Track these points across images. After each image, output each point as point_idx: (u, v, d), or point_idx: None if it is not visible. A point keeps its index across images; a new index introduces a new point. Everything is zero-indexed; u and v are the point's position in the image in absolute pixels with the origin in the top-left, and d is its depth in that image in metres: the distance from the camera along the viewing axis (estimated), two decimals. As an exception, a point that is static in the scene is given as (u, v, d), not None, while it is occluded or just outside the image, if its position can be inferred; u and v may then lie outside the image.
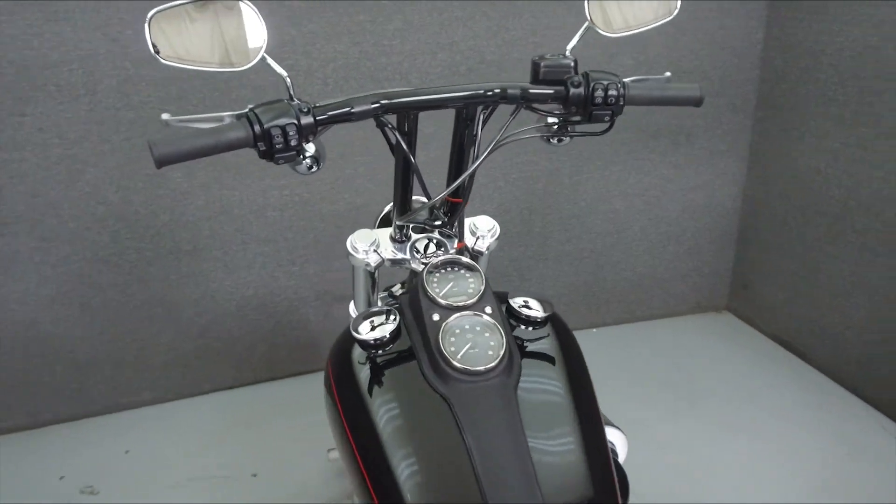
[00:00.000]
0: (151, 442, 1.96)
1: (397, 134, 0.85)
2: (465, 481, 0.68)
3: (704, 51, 2.17)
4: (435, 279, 0.84)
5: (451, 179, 0.95)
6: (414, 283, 0.86)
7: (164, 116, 0.76)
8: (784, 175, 2.21)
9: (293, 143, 0.74)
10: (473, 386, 0.74)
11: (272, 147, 0.74)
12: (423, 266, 0.98)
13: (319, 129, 0.77)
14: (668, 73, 0.92)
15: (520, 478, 0.68)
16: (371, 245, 0.99)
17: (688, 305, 2.58)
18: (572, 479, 0.72)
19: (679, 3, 0.90)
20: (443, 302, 0.80)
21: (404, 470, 0.71)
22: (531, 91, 0.84)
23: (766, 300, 2.38)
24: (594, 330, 2.48)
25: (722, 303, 2.61)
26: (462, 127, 0.90)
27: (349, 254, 1.00)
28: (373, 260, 0.99)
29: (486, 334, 0.78)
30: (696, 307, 2.59)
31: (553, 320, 0.87)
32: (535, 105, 0.88)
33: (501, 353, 0.75)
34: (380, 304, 1.12)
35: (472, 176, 0.87)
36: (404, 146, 0.85)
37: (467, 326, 0.79)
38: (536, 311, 0.86)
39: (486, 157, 0.85)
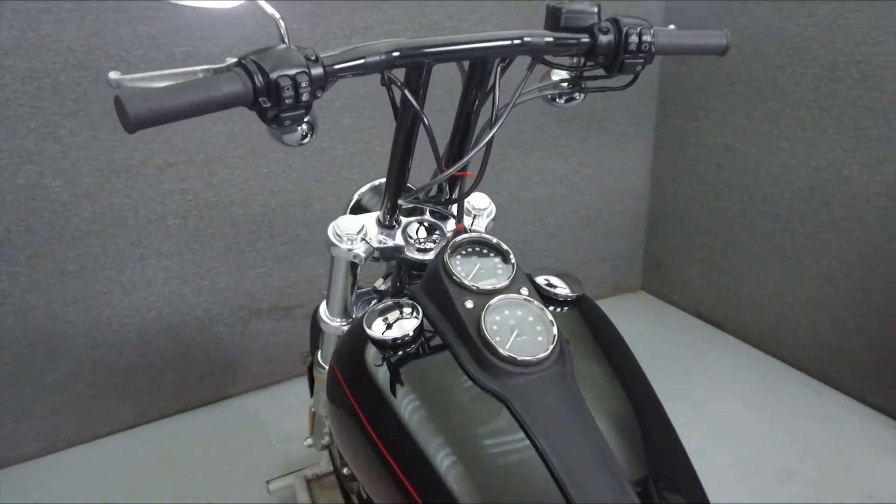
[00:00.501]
0: (42, 500, 1.64)
1: (407, 91, 0.72)
2: (544, 486, 0.57)
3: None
4: (458, 262, 0.72)
5: (455, 148, 0.83)
6: (433, 268, 0.73)
7: (112, 75, 0.58)
8: (691, 154, 2.29)
9: (305, 97, 0.59)
10: (529, 379, 0.63)
11: (281, 102, 0.58)
12: (422, 251, 0.86)
13: (329, 82, 0.62)
14: (672, 26, 0.86)
15: (608, 477, 0.58)
16: (359, 233, 0.85)
17: (607, 288, 2.62)
18: (654, 472, 0.63)
19: None
20: (473, 286, 0.69)
21: (468, 481, 0.58)
22: (556, 40, 0.75)
23: (681, 276, 2.46)
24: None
25: (637, 283, 2.67)
26: (473, 85, 0.79)
27: (331, 244, 0.85)
28: (361, 249, 0.85)
29: (530, 318, 0.67)
30: (615, 289, 2.64)
31: (583, 299, 0.78)
32: (552, 58, 0.79)
33: (553, 338, 0.65)
34: (357, 307, 0.97)
35: (489, 143, 0.75)
36: (415, 103, 0.72)
37: (507, 312, 0.67)
38: (564, 289, 0.76)
39: (504, 118, 0.74)
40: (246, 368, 2.03)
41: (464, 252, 0.73)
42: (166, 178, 1.72)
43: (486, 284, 0.69)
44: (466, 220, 0.91)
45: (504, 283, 0.70)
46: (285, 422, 1.88)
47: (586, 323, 0.75)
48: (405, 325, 0.69)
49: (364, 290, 1.01)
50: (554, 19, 0.76)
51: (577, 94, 0.85)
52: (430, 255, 0.87)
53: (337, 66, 0.62)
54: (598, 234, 2.50)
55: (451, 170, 0.76)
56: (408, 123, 0.78)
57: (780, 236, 2.03)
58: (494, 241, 0.75)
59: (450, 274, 0.69)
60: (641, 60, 0.77)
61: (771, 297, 2.11)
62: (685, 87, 2.26)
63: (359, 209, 1.00)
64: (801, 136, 1.90)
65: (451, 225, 0.89)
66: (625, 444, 0.62)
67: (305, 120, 0.65)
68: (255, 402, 2.03)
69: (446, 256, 0.71)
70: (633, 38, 0.75)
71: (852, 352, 1.89)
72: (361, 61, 0.64)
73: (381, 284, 0.98)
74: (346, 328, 0.94)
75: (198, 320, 1.90)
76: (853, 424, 1.84)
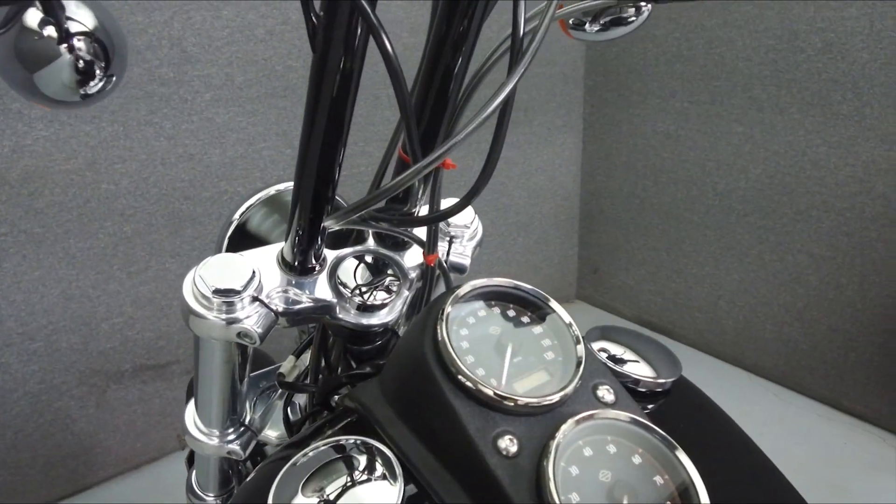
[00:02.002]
0: None
1: None
2: None
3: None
4: (465, 339, 0.35)
5: (424, 124, 0.45)
6: (409, 357, 0.36)
7: None
8: (625, 144, 2.05)
9: None
10: None
11: None
12: (368, 309, 0.49)
13: None
14: None
15: None
16: (246, 287, 0.44)
17: (541, 301, 2.32)
18: None
19: None
20: (513, 398, 0.33)
21: None
22: None
23: (622, 282, 2.21)
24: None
25: (572, 292, 2.41)
26: (453, 12, 0.41)
27: (192, 314, 0.44)
28: (253, 321, 0.44)
29: (636, 460, 0.32)
30: (549, 301, 2.35)
31: (681, 384, 0.44)
32: None
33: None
34: (254, 405, 0.57)
35: (507, 109, 0.38)
36: (366, 6, 0.34)
37: (592, 454, 0.32)
38: (647, 370, 0.42)
39: (529, 63, 0.37)
40: (108, 450, 1.54)
41: (473, 319, 0.37)
42: (-36, 205, 1.22)
43: (534, 392, 0.33)
44: (440, 247, 0.54)
45: (567, 382, 0.34)
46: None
47: (703, 430, 0.41)
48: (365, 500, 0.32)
49: (263, 370, 0.61)
50: None
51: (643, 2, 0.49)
52: (385, 317, 0.49)
53: None
54: (530, 241, 2.20)
55: (429, 159, 0.38)
56: (337, 64, 0.39)
57: (736, 231, 1.82)
58: (530, 291, 0.39)
59: (455, 372, 0.33)
60: None
61: (729, 299, 1.89)
62: (616, 70, 2.01)
63: (244, 239, 0.61)
64: (756, 117, 1.69)
65: (412, 258, 0.52)
66: None
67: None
68: (123, 490, 1.54)
69: (442, 329, 0.34)
70: None
71: (826, 355, 1.70)
72: None
73: (290, 369, 0.58)
74: (231, 449, 0.55)
75: (30, 396, 1.39)
76: (831, 434, 1.64)
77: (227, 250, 0.59)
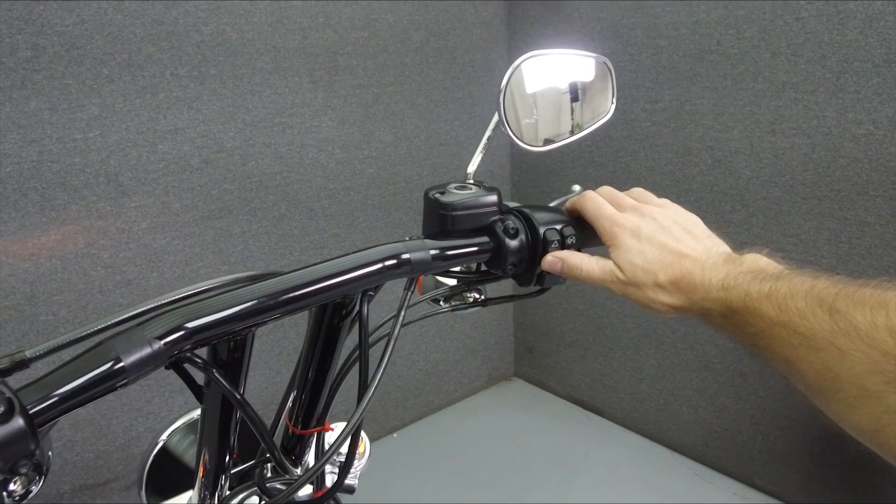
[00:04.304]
0: None
1: (215, 373, 0.45)
2: None
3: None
4: None
5: (301, 398, 0.57)
6: None
7: None
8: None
9: None
10: None
11: None
12: None
13: (43, 434, 0.34)
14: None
15: None
16: None
17: (481, 381, 2.42)
18: None
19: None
20: None
21: None
22: (444, 252, 0.51)
23: (555, 361, 2.33)
24: (395, 435, 2.17)
25: (510, 370, 2.51)
26: (325, 325, 0.53)
27: None
28: None
29: None
30: (489, 380, 2.45)
31: None
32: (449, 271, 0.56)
33: None
34: None
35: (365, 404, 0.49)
36: (229, 389, 0.45)
37: None
38: None
39: (388, 359, 0.49)
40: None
41: None
42: None
43: None
44: (329, 477, 0.64)
45: None
46: None
47: None
48: None
49: None
50: (440, 218, 0.53)
51: (476, 305, 0.62)
52: None
53: (58, 398, 0.34)
54: (467, 326, 2.30)
55: (320, 464, 0.48)
56: (219, 408, 0.50)
57: (650, 320, 1.96)
58: None
59: None
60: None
61: (649, 383, 2.03)
62: (537, 169, 2.16)
63: (168, 462, 0.69)
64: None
65: (306, 490, 0.62)
66: None
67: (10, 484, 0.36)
68: None
69: None
70: (555, 244, 0.54)
71: (737, 436, 1.83)
72: (106, 374, 0.36)
73: None
74: None
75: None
76: (747, 513, 1.77)
77: (150, 470, 0.68)
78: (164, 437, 0.70)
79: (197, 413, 0.72)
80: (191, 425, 0.72)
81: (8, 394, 0.31)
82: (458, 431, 2.20)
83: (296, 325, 1.79)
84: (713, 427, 1.88)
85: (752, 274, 0.46)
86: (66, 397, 0.33)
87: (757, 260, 0.49)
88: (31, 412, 0.32)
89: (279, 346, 1.78)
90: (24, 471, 0.32)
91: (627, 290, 0.51)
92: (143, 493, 0.70)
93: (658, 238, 0.51)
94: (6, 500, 0.38)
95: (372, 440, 0.69)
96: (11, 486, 0.39)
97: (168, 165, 1.51)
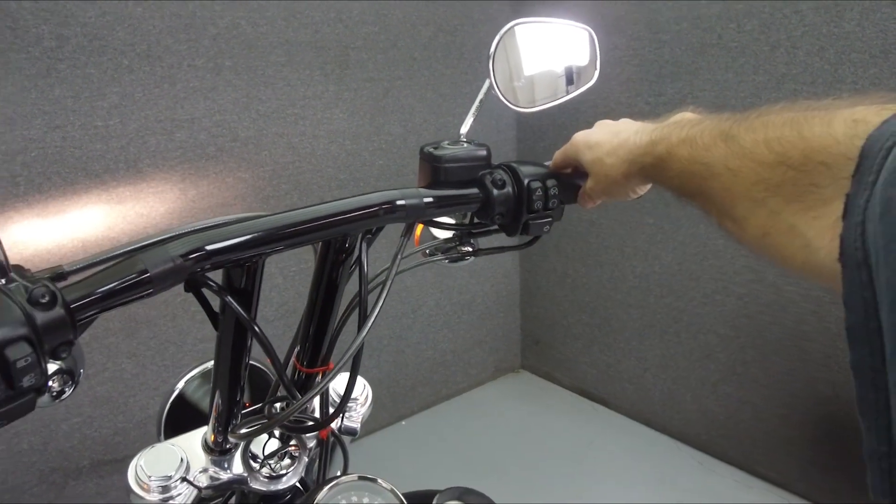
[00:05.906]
0: None
1: (230, 299, 0.50)
2: None
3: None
4: None
5: (307, 338, 0.62)
6: None
7: None
8: (554, 229, 2.22)
9: (27, 380, 0.35)
10: None
11: None
12: (275, 478, 0.63)
13: (82, 326, 0.39)
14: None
15: None
16: (179, 470, 0.59)
17: (488, 372, 2.46)
18: None
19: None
20: None
21: None
22: (437, 200, 0.56)
23: (561, 353, 2.36)
24: (403, 423, 2.21)
25: (517, 362, 2.55)
26: (328, 264, 0.58)
27: (133, 494, 0.59)
28: (183, 497, 0.59)
29: None
30: (496, 371, 2.49)
31: None
32: (438, 220, 0.60)
33: None
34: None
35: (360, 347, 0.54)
36: (243, 314, 0.50)
37: None
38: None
39: (382, 303, 0.54)
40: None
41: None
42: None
43: None
44: (334, 422, 0.68)
45: None
46: None
47: None
48: None
49: None
50: (432, 170, 0.58)
51: (467, 256, 0.67)
52: (289, 481, 0.63)
53: (93, 298, 0.39)
54: (474, 317, 2.35)
55: (325, 382, 0.53)
56: (232, 335, 0.55)
57: (655, 311, 1.99)
58: (385, 485, 0.53)
59: None
60: (549, 219, 0.61)
61: (653, 373, 2.05)
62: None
63: (184, 406, 0.74)
64: (663, 210, 1.88)
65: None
66: None
67: (55, 373, 0.41)
68: (78, 584, 1.60)
69: None
70: (538, 192, 0.59)
71: (739, 424, 1.86)
72: (141, 275, 0.40)
73: None
74: None
75: (-11, 497, 1.47)
76: (749, 500, 1.79)
77: (168, 416, 0.73)
78: (181, 383, 0.75)
79: (211, 363, 0.77)
80: (205, 374, 0.77)
81: (52, 287, 0.36)
82: (465, 421, 2.24)
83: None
84: (716, 415, 1.91)
85: (676, 124, 0.52)
86: (100, 298, 0.38)
87: (683, 115, 0.54)
88: (70, 306, 0.36)
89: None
90: (64, 355, 0.37)
91: (594, 172, 0.59)
92: (162, 437, 0.75)
93: (599, 130, 0.60)
94: (46, 395, 0.43)
95: (381, 427, 0.73)
96: (50, 383, 0.44)
97: (185, 153, 1.58)
